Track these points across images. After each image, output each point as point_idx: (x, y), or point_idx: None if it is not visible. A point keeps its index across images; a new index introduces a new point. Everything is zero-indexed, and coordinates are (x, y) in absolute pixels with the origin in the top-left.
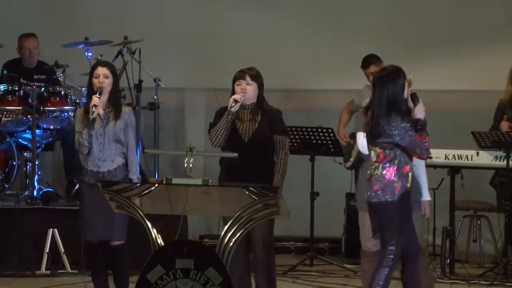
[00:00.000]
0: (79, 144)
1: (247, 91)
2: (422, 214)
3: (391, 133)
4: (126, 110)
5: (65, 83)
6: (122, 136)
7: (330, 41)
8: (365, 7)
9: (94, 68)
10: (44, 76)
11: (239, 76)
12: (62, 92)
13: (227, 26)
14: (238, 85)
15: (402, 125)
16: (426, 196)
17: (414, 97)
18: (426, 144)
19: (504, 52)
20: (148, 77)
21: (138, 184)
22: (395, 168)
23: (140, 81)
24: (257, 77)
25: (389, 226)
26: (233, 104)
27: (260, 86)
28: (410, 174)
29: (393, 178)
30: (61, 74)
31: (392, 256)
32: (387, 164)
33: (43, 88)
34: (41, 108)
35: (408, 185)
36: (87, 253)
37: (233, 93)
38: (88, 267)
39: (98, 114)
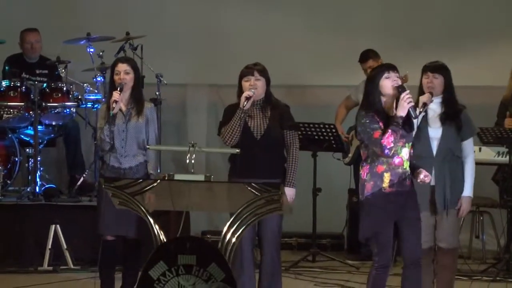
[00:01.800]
0: (101, 140)
1: (257, 87)
2: (457, 211)
3: (358, 130)
4: (148, 106)
5: (67, 79)
6: (144, 132)
7: (331, 38)
8: (366, 4)
9: (114, 65)
10: (46, 71)
11: (247, 72)
12: (64, 88)
13: (229, 22)
14: (247, 81)
15: (363, 121)
16: (466, 192)
17: (398, 91)
18: (382, 141)
19: (505, 49)
20: (150, 73)
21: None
22: (368, 167)
23: (142, 77)
24: (264, 72)
25: (360, 225)
26: (245, 101)
27: (268, 81)
28: (386, 174)
29: (365, 177)
30: (63, 70)
31: (376, 258)
32: (364, 163)
33: (45, 84)
34: (43, 104)
35: (384, 185)
36: (101, 248)
37: (240, 90)
38: (95, 262)
39: (121, 110)
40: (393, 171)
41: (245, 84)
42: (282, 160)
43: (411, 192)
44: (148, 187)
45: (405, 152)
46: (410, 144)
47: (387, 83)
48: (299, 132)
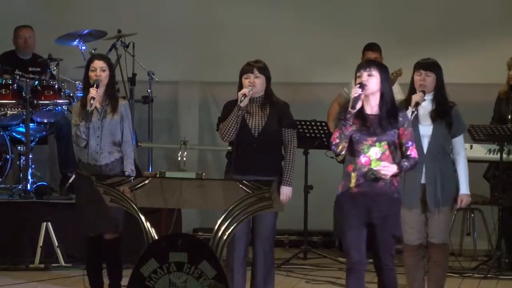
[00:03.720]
0: (76, 136)
1: (256, 85)
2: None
3: None
4: (123, 103)
5: (58, 76)
6: (119, 129)
7: (327, 35)
8: (360, 1)
9: (90, 61)
10: (38, 69)
11: (247, 69)
12: (56, 86)
13: (222, 19)
14: (246, 78)
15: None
16: (463, 190)
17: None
18: (331, 138)
19: (499, 47)
20: (142, 70)
21: (132, 177)
22: (343, 166)
23: (134, 75)
24: (264, 70)
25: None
26: (243, 98)
27: (268, 79)
28: (353, 174)
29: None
30: (55, 68)
31: (347, 260)
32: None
33: (36, 82)
34: (35, 101)
35: (351, 185)
36: (84, 246)
37: (241, 87)
38: (84, 260)
39: (96, 107)
40: (359, 171)
41: (245, 82)
42: (280, 158)
43: (384, 195)
44: (124, 183)
45: (374, 151)
46: (384, 143)
47: (358, 81)
48: None
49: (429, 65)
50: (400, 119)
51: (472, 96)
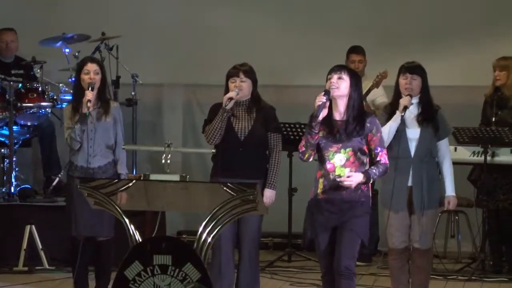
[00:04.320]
0: (71, 139)
1: (242, 88)
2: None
3: None
4: (114, 106)
5: (42, 79)
6: (112, 131)
7: (311, 38)
8: (343, 4)
9: (83, 64)
10: (22, 71)
11: (233, 73)
12: (40, 88)
13: (205, 22)
14: (232, 82)
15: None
16: (449, 191)
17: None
18: (299, 146)
19: (482, 49)
20: (126, 73)
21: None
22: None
23: (118, 77)
24: (251, 73)
25: None
26: (228, 102)
27: (254, 82)
28: (321, 180)
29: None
30: (39, 70)
31: (320, 267)
32: None
33: (20, 84)
34: (19, 104)
35: (318, 191)
36: (72, 248)
37: (227, 90)
38: (71, 262)
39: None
40: (326, 177)
41: (231, 85)
42: (265, 161)
43: (351, 201)
44: (123, 187)
45: (338, 158)
46: (349, 150)
47: (327, 85)
48: None
49: (415, 69)
50: (368, 125)
51: (456, 99)
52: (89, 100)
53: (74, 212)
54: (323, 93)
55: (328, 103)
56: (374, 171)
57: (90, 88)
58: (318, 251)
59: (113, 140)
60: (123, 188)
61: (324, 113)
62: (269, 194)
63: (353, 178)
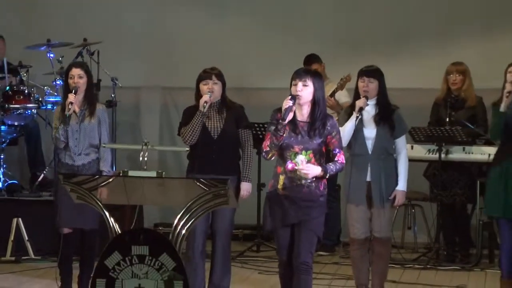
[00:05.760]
0: (56, 139)
1: (215, 90)
2: (391, 203)
3: None
4: (100, 108)
5: (28, 82)
6: (96, 132)
7: (278, 41)
8: (313, 8)
9: (69, 69)
10: (9, 75)
11: (206, 76)
12: (26, 91)
13: (180, 28)
14: (205, 84)
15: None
16: (400, 186)
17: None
18: (263, 145)
19: (436, 54)
20: (106, 76)
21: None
22: (275, 166)
23: (99, 81)
24: (221, 76)
25: None
26: (205, 104)
27: (224, 85)
28: (281, 176)
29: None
30: (25, 74)
31: (278, 258)
32: None
33: (8, 87)
34: (6, 105)
35: (279, 186)
36: (58, 240)
37: (198, 92)
38: (56, 253)
39: (74, 111)
40: (286, 175)
41: (203, 87)
42: (237, 158)
43: (309, 200)
44: (104, 183)
45: (300, 159)
46: (310, 152)
47: (293, 90)
48: None
49: (372, 72)
50: (328, 128)
51: (412, 100)
52: (70, 103)
53: (59, 206)
54: (289, 97)
55: (294, 107)
56: (331, 167)
57: (73, 92)
58: (276, 243)
59: (97, 140)
60: (104, 183)
61: (290, 116)
62: (245, 187)
63: (310, 169)
